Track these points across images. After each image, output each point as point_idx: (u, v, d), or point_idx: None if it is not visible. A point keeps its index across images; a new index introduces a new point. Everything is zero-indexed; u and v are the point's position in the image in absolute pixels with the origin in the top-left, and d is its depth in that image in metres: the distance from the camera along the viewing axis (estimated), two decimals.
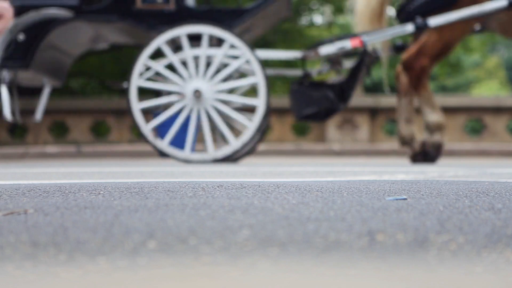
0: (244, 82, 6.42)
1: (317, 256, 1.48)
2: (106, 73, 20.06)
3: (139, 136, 6.29)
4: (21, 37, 6.33)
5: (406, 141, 6.96)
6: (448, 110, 14.69)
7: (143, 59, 6.22)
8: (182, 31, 6.25)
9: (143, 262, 1.44)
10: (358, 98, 13.06)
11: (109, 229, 1.66)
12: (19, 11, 6.34)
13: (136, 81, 6.23)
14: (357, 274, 1.35)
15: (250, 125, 6.23)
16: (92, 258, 1.48)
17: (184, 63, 6.37)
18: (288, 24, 19.31)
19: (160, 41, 6.22)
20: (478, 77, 34.60)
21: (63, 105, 15.26)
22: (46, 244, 1.55)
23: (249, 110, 6.99)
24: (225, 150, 6.30)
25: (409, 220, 1.78)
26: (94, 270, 1.39)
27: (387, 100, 12.73)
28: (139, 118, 6.29)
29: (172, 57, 6.26)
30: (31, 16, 6.30)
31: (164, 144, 6.27)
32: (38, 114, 6.80)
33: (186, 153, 6.28)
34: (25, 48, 6.33)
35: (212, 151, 6.30)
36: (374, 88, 21.93)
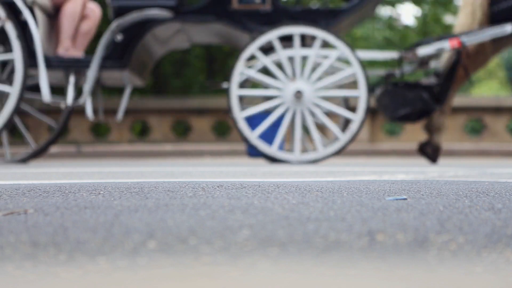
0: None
1: (317, 256, 1.48)
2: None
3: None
4: (119, 37, 6.37)
5: (432, 129, 6.92)
6: None
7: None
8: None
9: (143, 262, 1.44)
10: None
11: (109, 229, 1.66)
12: (119, 11, 6.37)
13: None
14: (357, 274, 1.35)
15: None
16: (92, 258, 1.48)
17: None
18: None
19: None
20: (478, 77, 34.60)
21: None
22: (46, 244, 1.55)
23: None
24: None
25: (409, 220, 1.78)
26: (94, 270, 1.39)
27: None
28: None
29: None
30: (133, 17, 6.34)
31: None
32: (120, 114, 6.89)
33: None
34: (123, 49, 6.37)
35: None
36: (374, 88, 21.90)
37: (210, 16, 6.44)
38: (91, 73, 6.33)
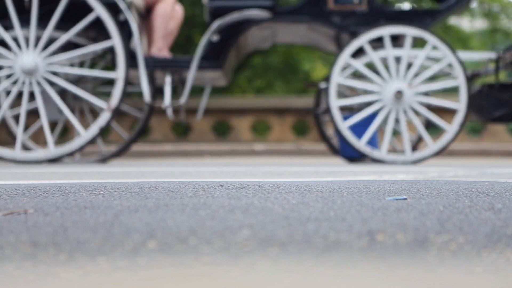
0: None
1: (317, 256, 1.48)
2: None
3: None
4: (215, 37, 6.39)
5: None
6: (447, 110, 14.69)
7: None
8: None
9: (143, 262, 1.44)
10: None
11: (109, 229, 1.66)
12: (217, 12, 6.41)
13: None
14: (357, 274, 1.35)
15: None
16: (92, 258, 1.48)
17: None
18: None
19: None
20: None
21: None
22: (46, 244, 1.55)
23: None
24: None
25: (409, 220, 1.78)
26: (94, 270, 1.39)
27: None
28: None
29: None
30: (234, 17, 6.36)
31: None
32: (200, 114, 6.95)
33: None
34: (219, 49, 6.40)
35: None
36: None
37: (305, 17, 6.47)
38: (191, 74, 6.37)
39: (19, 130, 6.21)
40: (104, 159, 7.05)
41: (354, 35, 6.37)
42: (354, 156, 7.15)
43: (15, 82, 6.27)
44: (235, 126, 13.10)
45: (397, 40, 6.50)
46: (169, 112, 6.52)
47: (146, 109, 7.10)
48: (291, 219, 1.78)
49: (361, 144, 6.23)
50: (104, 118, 6.20)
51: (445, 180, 3.16)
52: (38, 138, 11.04)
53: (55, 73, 6.54)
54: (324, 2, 6.45)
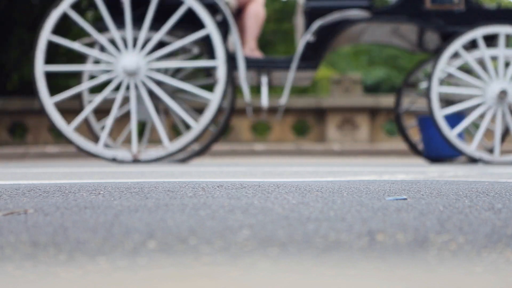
0: None
1: (317, 256, 1.48)
2: None
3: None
4: (312, 38, 6.39)
5: None
6: None
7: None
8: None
9: (143, 262, 1.44)
10: (358, 98, 13.06)
11: (109, 229, 1.66)
12: (315, 12, 6.41)
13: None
14: (357, 274, 1.35)
15: None
16: (92, 258, 1.48)
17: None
18: (288, 25, 19.30)
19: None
20: None
21: (63, 105, 15.23)
22: (46, 244, 1.55)
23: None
24: None
25: (409, 220, 1.78)
26: (94, 270, 1.39)
27: (387, 100, 12.73)
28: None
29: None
30: (335, 18, 6.37)
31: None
32: (280, 114, 7.04)
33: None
34: (316, 49, 6.40)
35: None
36: (374, 88, 21.92)
37: (403, 16, 6.48)
38: (291, 74, 6.38)
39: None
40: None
41: (449, 37, 6.36)
42: (441, 156, 7.16)
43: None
44: (235, 126, 13.10)
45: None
46: (250, 111, 6.55)
47: (227, 108, 7.10)
48: (291, 219, 1.78)
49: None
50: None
51: (445, 180, 3.16)
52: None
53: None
54: (422, 2, 6.44)
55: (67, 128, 6.18)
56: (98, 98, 6.24)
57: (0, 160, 10.63)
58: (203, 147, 7.24)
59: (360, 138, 13.28)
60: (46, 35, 6.14)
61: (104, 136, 6.20)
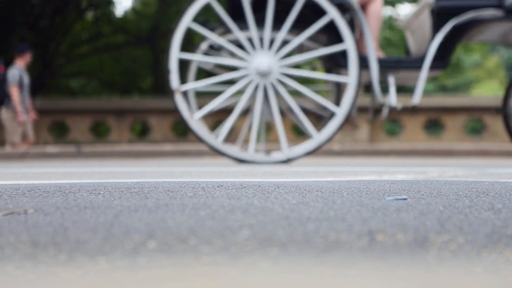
0: None
1: (317, 256, 1.48)
2: (106, 73, 20.01)
3: None
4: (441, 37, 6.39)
5: None
6: (448, 110, 14.69)
7: None
8: None
9: (143, 262, 1.44)
10: (358, 98, 13.06)
11: (109, 229, 1.66)
12: (447, 12, 6.37)
13: None
14: (357, 274, 1.35)
15: None
16: (92, 258, 1.48)
17: None
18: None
19: None
20: (478, 77, 34.61)
21: (63, 105, 15.24)
22: (46, 244, 1.55)
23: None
24: None
25: (409, 220, 1.78)
26: (94, 270, 1.39)
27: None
28: None
29: None
30: (470, 17, 6.35)
31: None
32: (385, 112, 6.90)
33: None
34: (445, 49, 6.38)
35: None
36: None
37: None
38: (423, 74, 6.34)
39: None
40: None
41: None
42: None
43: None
44: (235, 126, 13.10)
45: None
46: (386, 112, 6.53)
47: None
48: (291, 219, 1.78)
49: None
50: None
51: (445, 180, 3.16)
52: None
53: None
54: None
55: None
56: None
57: (0, 160, 10.64)
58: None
59: (360, 138, 13.28)
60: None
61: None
